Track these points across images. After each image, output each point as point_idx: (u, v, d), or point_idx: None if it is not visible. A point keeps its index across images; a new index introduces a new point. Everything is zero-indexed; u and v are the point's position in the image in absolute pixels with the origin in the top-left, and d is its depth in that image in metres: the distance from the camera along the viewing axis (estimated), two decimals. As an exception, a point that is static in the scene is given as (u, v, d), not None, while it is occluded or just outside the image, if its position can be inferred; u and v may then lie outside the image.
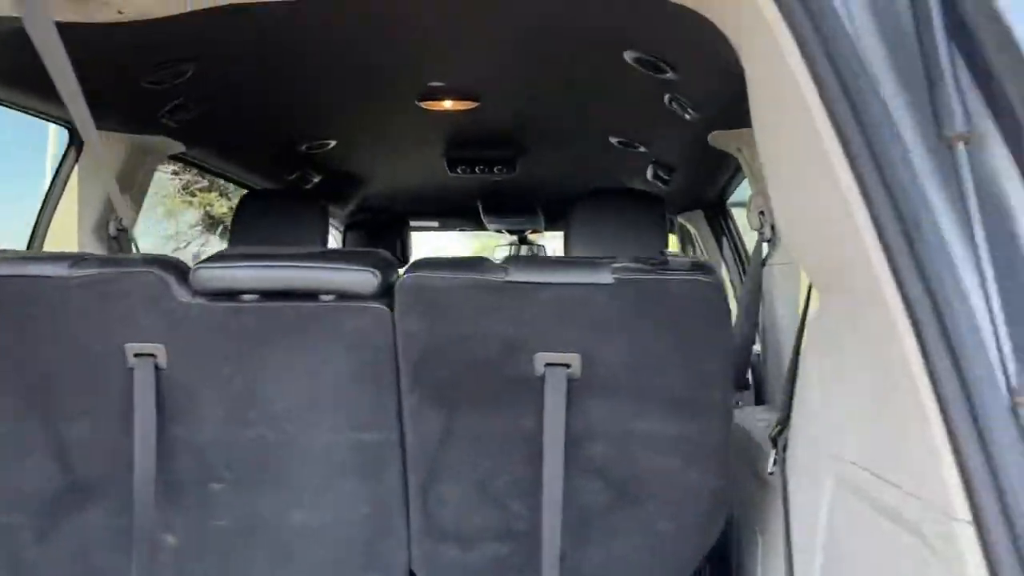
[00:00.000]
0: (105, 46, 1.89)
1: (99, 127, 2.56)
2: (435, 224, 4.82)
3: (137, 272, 1.51)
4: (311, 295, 1.50)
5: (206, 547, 1.63)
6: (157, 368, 1.53)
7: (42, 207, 2.64)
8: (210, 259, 1.55)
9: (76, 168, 2.61)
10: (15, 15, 1.51)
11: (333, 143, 3.27)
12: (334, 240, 4.22)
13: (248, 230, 2.75)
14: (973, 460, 0.81)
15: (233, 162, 3.27)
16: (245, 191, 3.50)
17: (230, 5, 1.70)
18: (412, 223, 4.68)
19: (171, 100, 2.45)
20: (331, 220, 4.33)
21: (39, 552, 1.63)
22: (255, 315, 1.51)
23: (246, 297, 1.51)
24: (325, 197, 3.91)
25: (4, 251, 1.65)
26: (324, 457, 1.56)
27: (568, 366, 1.46)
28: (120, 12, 1.61)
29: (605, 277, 1.43)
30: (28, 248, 2.62)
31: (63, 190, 2.61)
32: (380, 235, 3.97)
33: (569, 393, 1.47)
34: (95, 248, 2.61)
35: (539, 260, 1.50)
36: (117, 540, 1.59)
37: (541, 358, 1.47)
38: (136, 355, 1.53)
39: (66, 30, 1.60)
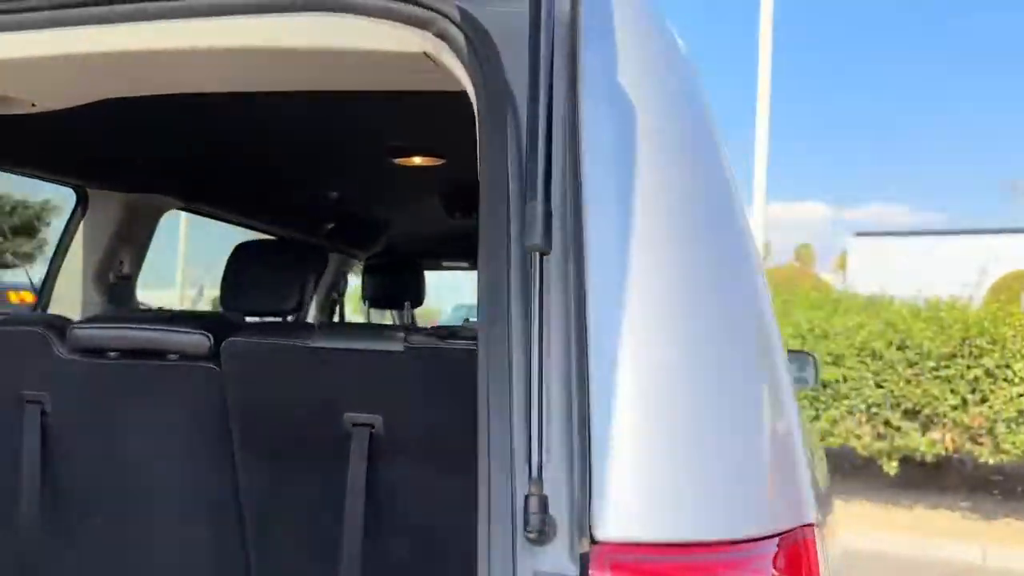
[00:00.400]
0: (58, 126, 2.18)
1: (98, 187, 2.92)
2: (465, 264, 5.00)
3: (25, 331, 1.75)
4: (160, 354, 1.69)
5: (94, 571, 1.84)
6: (44, 413, 1.76)
7: (53, 257, 3.00)
8: (86, 320, 1.78)
9: (82, 224, 2.96)
10: None
11: (335, 194, 3.50)
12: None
13: (237, 280, 3.00)
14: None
15: (240, 214, 3.55)
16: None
17: (155, 95, 1.92)
18: (444, 263, 4.87)
19: (154, 164, 2.75)
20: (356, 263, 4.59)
21: None
22: (116, 371, 1.72)
23: (110, 354, 1.72)
24: (343, 241, 4.17)
25: None
26: (173, 504, 1.75)
27: (372, 426, 1.59)
28: (33, 105, 1.87)
29: (396, 345, 1.55)
30: (41, 292, 2.98)
31: (70, 243, 2.96)
32: (395, 276, 4.17)
33: (375, 452, 1.60)
34: (97, 294, 2.94)
35: (343, 327, 1.63)
36: (16, 560, 1.82)
37: (348, 418, 1.60)
38: (27, 401, 1.77)
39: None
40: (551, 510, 0.87)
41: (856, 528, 6.86)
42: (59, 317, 1.83)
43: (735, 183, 1.19)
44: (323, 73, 1.59)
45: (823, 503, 1.25)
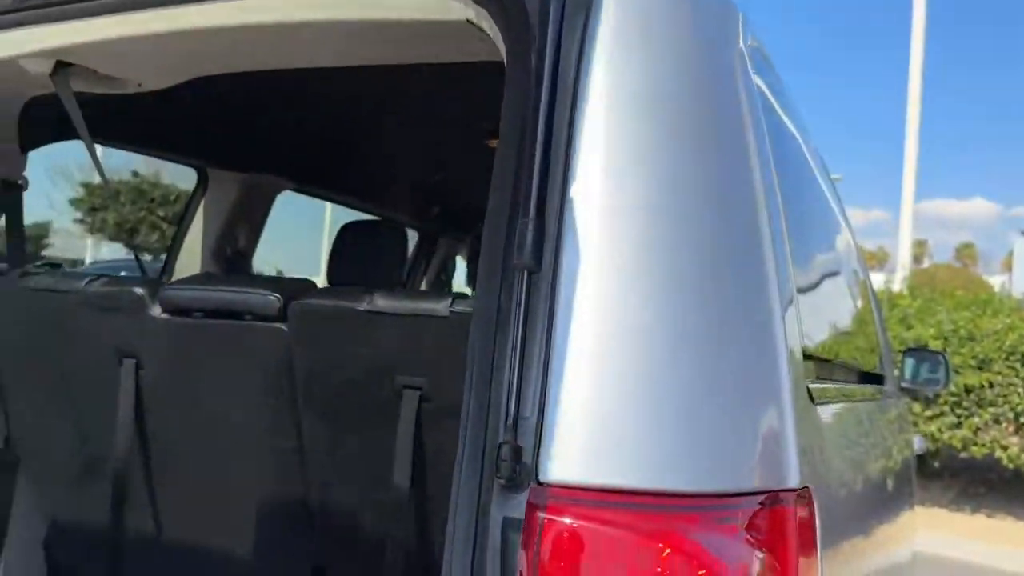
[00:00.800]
0: (175, 108, 2.36)
1: (216, 167, 3.12)
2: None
3: (124, 291, 1.91)
4: (238, 315, 1.80)
5: (181, 517, 1.98)
6: (139, 367, 1.91)
7: (176, 233, 3.24)
8: (177, 282, 1.92)
9: (202, 203, 3.17)
10: (50, 91, 1.98)
11: (442, 177, 3.58)
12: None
13: (341, 257, 3.15)
14: None
15: (349, 196, 3.69)
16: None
17: (252, 71, 2.05)
18: None
19: (267, 145, 2.91)
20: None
21: (66, 509, 2.09)
22: (199, 330, 1.85)
23: (195, 314, 1.85)
24: (451, 224, 4.26)
25: (37, 268, 2.14)
26: (245, 458, 1.85)
27: (420, 389, 1.63)
28: (139, 85, 2.02)
29: (442, 310, 1.58)
30: (165, 263, 3.22)
31: (192, 220, 3.18)
32: None
33: (423, 414, 1.64)
34: (215, 267, 3.15)
35: (396, 292, 1.67)
36: (110, 506, 1.99)
37: (399, 380, 1.65)
38: (124, 357, 1.92)
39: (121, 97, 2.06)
40: (525, 459, 0.88)
41: (999, 546, 6.37)
42: (156, 280, 1.98)
43: (778, 177, 1.15)
44: (381, 46, 1.65)
45: (842, 481, 1.18)
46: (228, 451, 1.88)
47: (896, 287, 9.74)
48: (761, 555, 0.80)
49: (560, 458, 0.81)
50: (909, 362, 4.89)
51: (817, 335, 1.27)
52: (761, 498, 0.82)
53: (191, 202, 3.19)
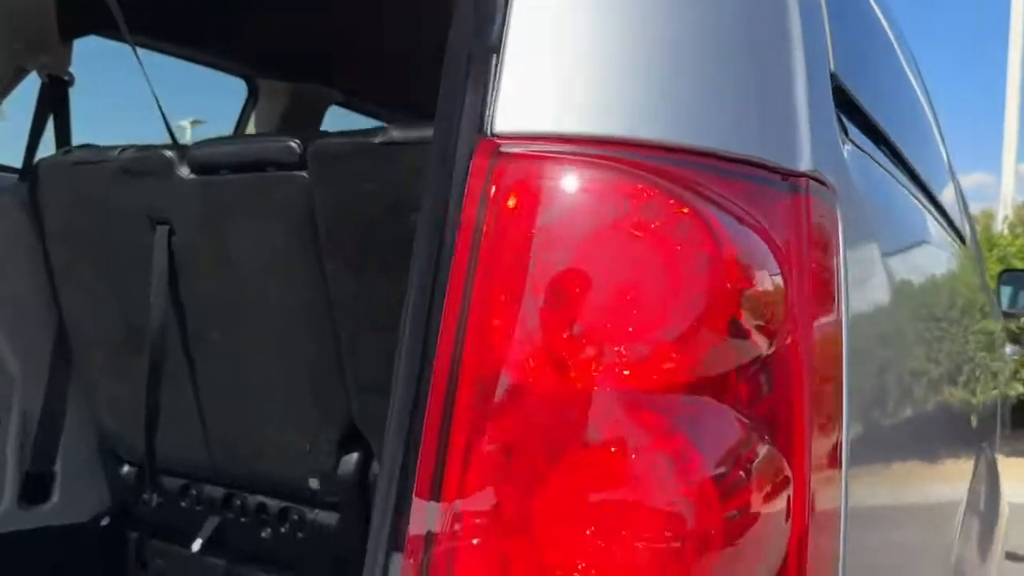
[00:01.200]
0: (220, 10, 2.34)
1: (266, 77, 3.11)
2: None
3: (154, 154, 1.89)
4: (260, 167, 1.76)
5: (216, 378, 1.96)
6: (172, 233, 1.90)
7: (229, 147, 3.25)
8: (203, 141, 1.90)
9: (253, 116, 3.17)
10: None
11: None
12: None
13: None
14: None
15: (404, 113, 3.63)
16: None
17: None
18: None
19: (315, 51, 2.88)
20: None
21: (111, 379, 2.11)
22: (225, 186, 1.81)
23: (222, 172, 1.82)
24: None
25: (80, 146, 2.15)
26: (275, 313, 1.81)
27: None
28: None
29: None
30: None
31: (243, 133, 3.18)
32: None
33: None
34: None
35: (412, 123, 1.58)
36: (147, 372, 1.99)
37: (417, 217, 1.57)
38: (158, 223, 1.91)
39: None
40: None
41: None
42: (183, 144, 1.95)
43: None
44: None
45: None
46: (258, 307, 1.85)
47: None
48: (759, 236, 0.68)
49: (517, 110, 0.70)
50: (1006, 289, 4.54)
51: (861, 92, 1.10)
52: (755, 169, 0.70)
53: (242, 117, 3.20)
